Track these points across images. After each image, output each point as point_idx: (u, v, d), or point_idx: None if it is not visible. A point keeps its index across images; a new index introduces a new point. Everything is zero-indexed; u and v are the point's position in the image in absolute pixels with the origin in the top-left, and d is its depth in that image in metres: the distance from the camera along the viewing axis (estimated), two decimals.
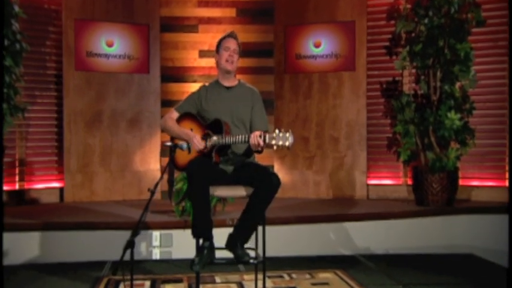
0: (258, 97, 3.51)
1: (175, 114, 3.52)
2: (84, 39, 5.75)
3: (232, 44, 3.45)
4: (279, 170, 5.98)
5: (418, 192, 5.19)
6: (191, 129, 3.44)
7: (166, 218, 4.61)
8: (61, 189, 5.72)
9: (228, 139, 3.23)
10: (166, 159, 3.49)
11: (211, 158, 3.29)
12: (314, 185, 5.94)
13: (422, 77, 5.26)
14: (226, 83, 3.49)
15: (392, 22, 5.56)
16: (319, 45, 5.89)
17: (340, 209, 5.15)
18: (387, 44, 5.75)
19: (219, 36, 6.22)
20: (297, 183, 5.98)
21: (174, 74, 6.01)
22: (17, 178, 5.47)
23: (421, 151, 5.25)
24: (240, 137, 3.19)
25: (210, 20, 6.02)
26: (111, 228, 4.47)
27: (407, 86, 5.64)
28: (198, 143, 3.33)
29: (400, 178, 5.80)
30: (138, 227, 3.04)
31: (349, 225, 4.74)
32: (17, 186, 5.47)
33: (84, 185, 5.77)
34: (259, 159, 5.78)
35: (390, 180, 5.81)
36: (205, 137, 3.35)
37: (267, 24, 6.04)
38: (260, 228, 3.30)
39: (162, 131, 3.62)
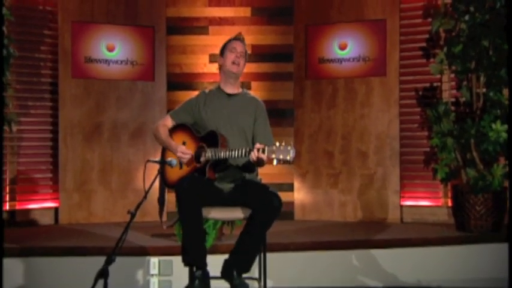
0: (262, 109, 3.54)
1: (169, 121, 3.59)
2: (82, 44, 5.74)
3: (239, 47, 3.50)
4: (299, 188, 5.96)
5: (459, 216, 5.05)
6: (184, 142, 3.46)
7: (166, 243, 4.58)
8: (56, 210, 5.69)
9: (224, 153, 3.22)
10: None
11: (205, 175, 3.28)
12: (339, 206, 5.87)
13: (465, 83, 5.16)
14: (229, 90, 3.52)
15: (429, 20, 5.49)
16: (344, 47, 5.86)
17: (368, 233, 5.05)
18: (423, 45, 5.66)
19: None
20: (320, 203, 5.93)
21: (181, 81, 5.98)
22: (7, 197, 5.46)
23: (461, 168, 5.13)
24: (237, 151, 3.18)
25: (221, 21, 6.00)
26: (104, 254, 4.33)
27: (447, 93, 5.50)
28: (182, 154, 3.32)
29: (440, 199, 5.67)
30: (114, 253, 2.96)
31: (377, 253, 4.62)
32: (7, 207, 5.44)
33: (81, 205, 5.73)
34: (277, 176, 5.82)
35: (427, 201, 5.68)
36: (199, 151, 3.35)
37: (285, 24, 6.00)
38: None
39: (154, 137, 3.69)
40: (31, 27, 5.60)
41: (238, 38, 3.55)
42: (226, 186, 3.37)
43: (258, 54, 5.93)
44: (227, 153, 3.20)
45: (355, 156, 5.84)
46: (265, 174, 5.80)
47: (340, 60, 5.88)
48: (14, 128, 5.30)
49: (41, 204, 5.65)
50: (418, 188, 5.72)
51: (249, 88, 5.90)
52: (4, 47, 4.69)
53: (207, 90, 3.58)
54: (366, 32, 5.81)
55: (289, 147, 2.98)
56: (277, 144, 3.00)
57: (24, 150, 5.59)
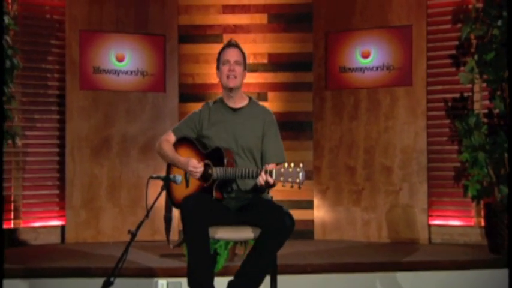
0: (271, 121, 3.46)
1: (172, 137, 3.57)
2: (90, 53, 5.77)
3: (232, 55, 3.39)
4: (319, 206, 5.92)
5: (492, 237, 4.99)
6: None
7: (176, 263, 4.55)
8: (62, 228, 5.70)
9: (231, 174, 3.19)
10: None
11: (212, 194, 3.27)
12: (362, 225, 5.81)
13: (498, 93, 5.07)
14: (232, 104, 3.45)
15: (459, 25, 5.43)
16: (367, 56, 5.83)
17: (393, 255, 5.01)
18: (452, 52, 5.62)
19: (247, 47, 6.25)
20: (342, 222, 5.87)
21: (194, 93, 5.98)
22: (11, 215, 5.47)
23: (494, 185, 5.05)
24: (244, 172, 3.15)
25: (236, 29, 6.00)
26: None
27: (478, 104, 5.47)
28: (194, 168, 3.28)
29: (471, 218, 5.56)
30: (113, 274, 2.94)
31: (402, 276, 4.56)
32: (11, 225, 5.46)
33: (89, 223, 5.73)
34: (296, 193, 5.70)
35: (458, 221, 5.60)
36: (205, 170, 3.34)
37: (304, 31, 5.98)
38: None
39: (158, 154, 3.66)
40: (37, 36, 5.65)
41: (230, 44, 3.46)
42: (233, 205, 3.35)
43: (275, 63, 5.95)
44: (235, 172, 3.18)
45: (379, 171, 5.79)
46: (282, 191, 5.73)
47: (362, 69, 5.85)
48: (19, 142, 5.36)
49: (46, 222, 5.66)
50: (448, 206, 5.64)
51: (265, 99, 5.90)
52: (8, 57, 4.73)
53: (211, 103, 3.52)
54: (390, 39, 5.77)
55: (298, 169, 2.95)
56: (286, 165, 2.97)
57: (30, 165, 5.61)
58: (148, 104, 5.92)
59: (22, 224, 5.53)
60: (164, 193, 3.45)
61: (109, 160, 5.82)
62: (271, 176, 3.01)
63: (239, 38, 5.72)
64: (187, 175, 3.38)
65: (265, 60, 5.96)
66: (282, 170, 2.97)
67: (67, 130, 5.70)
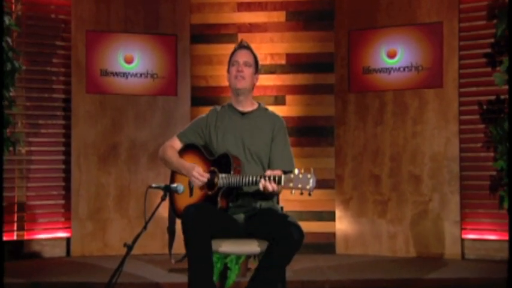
0: (281, 126, 3.43)
1: (177, 143, 3.54)
2: (97, 55, 5.80)
3: (241, 57, 3.39)
4: (341, 217, 5.89)
5: None
6: None
7: (184, 278, 4.31)
8: (68, 240, 5.72)
9: (237, 180, 3.16)
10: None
11: (216, 204, 3.23)
12: (388, 238, 5.79)
13: None
14: (242, 107, 3.45)
15: (494, 22, 5.41)
16: (394, 55, 5.83)
17: (421, 271, 4.95)
18: (487, 50, 5.58)
19: (264, 47, 6.25)
20: (366, 235, 5.86)
21: (207, 96, 5.99)
22: (15, 226, 5.50)
23: None
24: (247, 178, 3.12)
25: (252, 27, 6.01)
26: None
27: None
28: (199, 176, 3.26)
29: (507, 232, 5.28)
30: None
31: None
32: (15, 237, 5.49)
33: (95, 235, 5.75)
34: (316, 203, 5.71)
35: (493, 235, 5.54)
36: (211, 177, 3.30)
37: (325, 30, 5.98)
38: None
39: (161, 161, 3.64)
40: (42, 37, 5.70)
41: (240, 46, 3.44)
42: (240, 216, 3.31)
43: (294, 64, 5.95)
44: (243, 179, 3.14)
45: (407, 180, 5.77)
46: (301, 201, 5.79)
47: (388, 70, 5.84)
48: (22, 149, 5.44)
49: (51, 234, 5.68)
50: (482, 219, 5.60)
51: (283, 103, 5.89)
52: (9, 60, 4.74)
53: (218, 108, 3.52)
54: (419, 37, 5.75)
55: (309, 175, 2.91)
56: (296, 171, 2.93)
57: (34, 173, 5.64)
58: (159, 109, 5.93)
59: (26, 236, 5.55)
60: (167, 203, 3.40)
61: (117, 168, 5.84)
62: (277, 182, 2.99)
63: (255, 38, 5.89)
64: (191, 183, 3.36)
65: (283, 61, 5.96)
66: (292, 175, 2.93)
67: (73, 136, 5.73)
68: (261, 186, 3.03)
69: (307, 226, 6.11)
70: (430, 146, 5.68)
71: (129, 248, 3.10)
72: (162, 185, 3.28)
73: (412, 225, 5.71)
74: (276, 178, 2.98)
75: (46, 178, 5.71)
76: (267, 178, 3.01)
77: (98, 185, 5.79)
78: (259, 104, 3.48)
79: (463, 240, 5.57)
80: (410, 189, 5.74)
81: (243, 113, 3.42)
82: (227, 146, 3.33)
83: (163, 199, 3.22)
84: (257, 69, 3.42)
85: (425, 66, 5.71)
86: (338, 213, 5.91)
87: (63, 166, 5.78)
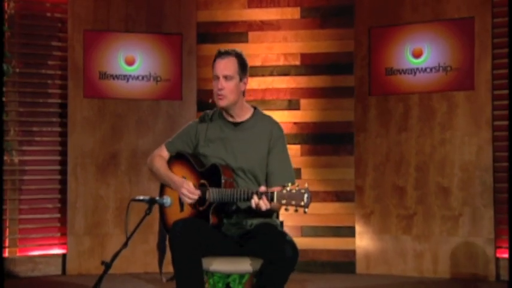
0: (278, 135, 3.37)
1: (165, 153, 3.53)
2: (96, 56, 5.80)
3: (220, 70, 3.29)
4: (362, 233, 5.85)
5: None
6: (183, 177, 3.36)
7: None
8: (63, 257, 5.71)
9: (228, 195, 3.14)
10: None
11: (208, 220, 3.22)
12: (414, 256, 5.74)
13: None
14: (232, 118, 3.39)
15: None
16: (420, 55, 5.81)
17: None
18: None
19: (277, 46, 6.17)
20: (389, 253, 5.82)
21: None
22: (6, 242, 5.48)
23: None
24: (244, 192, 3.09)
25: (264, 25, 6.00)
26: None
27: None
28: (189, 194, 3.22)
29: None
30: None
31: None
32: (6, 253, 5.47)
33: (93, 252, 5.72)
34: (334, 218, 5.65)
35: None
36: (201, 191, 3.26)
37: (344, 27, 5.97)
38: None
39: (150, 172, 3.63)
40: (36, 38, 5.68)
41: (218, 54, 3.33)
42: (234, 233, 3.29)
43: (310, 65, 5.92)
44: (232, 195, 3.13)
45: (434, 192, 5.73)
46: (318, 215, 5.75)
47: (413, 71, 5.82)
48: (15, 158, 5.47)
49: (45, 251, 5.67)
50: None
51: (298, 107, 5.89)
52: None
53: (210, 113, 3.45)
54: (447, 34, 5.73)
55: (303, 191, 2.90)
56: (289, 187, 2.94)
57: (27, 185, 5.63)
58: (162, 114, 5.93)
59: (18, 253, 5.55)
60: (156, 218, 3.44)
61: (117, 179, 5.83)
62: (269, 199, 2.99)
63: (267, 36, 5.92)
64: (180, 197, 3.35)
65: (297, 62, 5.93)
66: (284, 191, 2.95)
67: (69, 144, 5.72)
68: (253, 203, 3.02)
69: (324, 243, 6.07)
70: (460, 155, 5.65)
71: (107, 266, 3.08)
72: (147, 197, 3.26)
73: (441, 242, 5.68)
74: (269, 195, 2.99)
75: (40, 190, 5.70)
76: (259, 194, 3.01)
77: (96, 197, 5.77)
78: (254, 109, 3.38)
79: (497, 259, 5.50)
80: (438, 203, 5.70)
81: (235, 124, 3.36)
82: (218, 161, 3.30)
83: (147, 213, 3.21)
84: (244, 73, 3.29)
85: (454, 66, 5.68)
86: (358, 228, 5.88)
87: (58, 177, 5.77)
